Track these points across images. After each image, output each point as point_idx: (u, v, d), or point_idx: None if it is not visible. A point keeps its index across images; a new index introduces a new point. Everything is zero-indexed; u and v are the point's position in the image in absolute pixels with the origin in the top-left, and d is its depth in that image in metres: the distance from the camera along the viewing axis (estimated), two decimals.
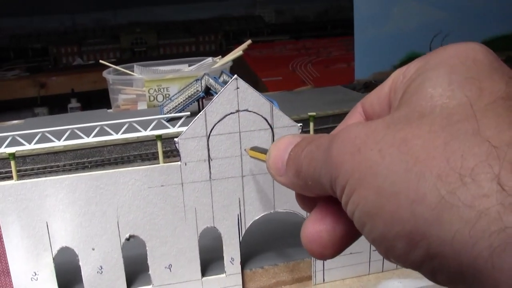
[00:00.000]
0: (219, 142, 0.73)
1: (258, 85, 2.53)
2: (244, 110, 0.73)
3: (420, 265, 0.30)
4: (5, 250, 0.74)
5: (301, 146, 0.39)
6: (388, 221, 0.30)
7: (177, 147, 0.73)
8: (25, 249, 0.74)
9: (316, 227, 0.38)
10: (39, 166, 1.29)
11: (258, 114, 0.73)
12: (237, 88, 0.72)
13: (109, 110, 1.60)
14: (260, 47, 3.12)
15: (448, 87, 0.32)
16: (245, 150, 0.73)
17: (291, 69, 2.82)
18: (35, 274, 0.75)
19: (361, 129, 0.33)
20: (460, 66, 0.33)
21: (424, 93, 0.32)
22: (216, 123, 0.72)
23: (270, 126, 0.74)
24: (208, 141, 0.73)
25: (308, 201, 0.42)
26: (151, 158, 1.27)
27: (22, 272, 0.75)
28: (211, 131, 0.73)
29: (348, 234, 0.38)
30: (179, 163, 0.73)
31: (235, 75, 0.73)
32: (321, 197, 0.39)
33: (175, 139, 0.73)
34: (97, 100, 2.16)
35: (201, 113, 0.72)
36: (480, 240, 0.27)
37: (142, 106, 1.57)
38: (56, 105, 2.83)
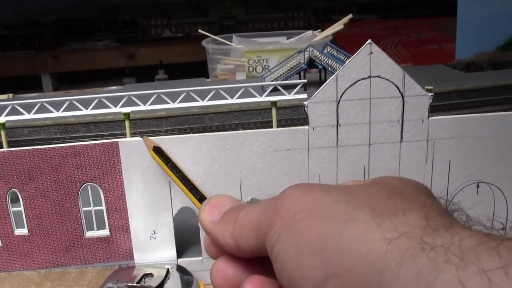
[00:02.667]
0: (349, 108, 0.71)
1: None
2: (376, 76, 0.70)
3: None
4: (126, 207, 0.74)
5: (240, 207, 0.43)
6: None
7: (306, 111, 0.71)
8: (146, 207, 0.74)
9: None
10: (141, 130, 1.30)
11: (390, 81, 0.71)
12: (371, 53, 0.70)
13: (207, 80, 1.60)
14: (348, 25, 3.06)
15: None
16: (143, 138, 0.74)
17: (381, 49, 2.77)
18: (154, 232, 0.75)
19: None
20: None
21: None
22: (347, 88, 0.70)
23: (401, 94, 0.72)
24: (337, 106, 0.71)
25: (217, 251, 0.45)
26: (253, 127, 1.26)
27: (141, 230, 0.75)
28: (341, 96, 0.70)
29: None
30: (306, 127, 0.71)
31: (369, 40, 0.70)
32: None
33: (304, 102, 0.71)
34: (184, 72, 2.16)
35: (332, 77, 0.70)
36: None
37: (240, 76, 1.56)
38: (144, 76, 2.85)
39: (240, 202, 0.46)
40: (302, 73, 1.39)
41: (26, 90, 2.12)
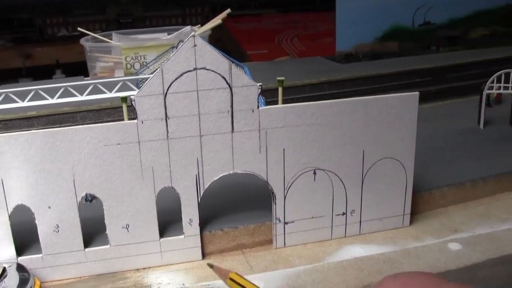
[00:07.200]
0: (176, 101, 0.72)
1: (243, 58, 2.52)
2: (201, 68, 0.72)
3: None
4: None
5: None
6: None
7: (134, 105, 0.72)
8: None
9: None
10: (11, 131, 1.28)
11: (216, 73, 0.73)
12: (195, 45, 0.71)
13: (86, 78, 1.59)
14: (247, 20, 3.10)
15: None
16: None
17: (277, 43, 2.80)
18: None
19: None
20: None
21: None
22: (173, 81, 0.72)
23: (229, 85, 0.73)
24: (165, 99, 0.72)
25: None
26: None
27: None
28: (168, 89, 0.72)
29: None
30: (135, 121, 0.72)
31: (193, 33, 0.72)
32: None
33: (131, 96, 0.72)
34: (82, 71, 2.14)
35: (157, 70, 0.71)
36: None
37: (119, 74, 1.55)
38: (41, 76, 2.80)
39: None
40: None
41: None
